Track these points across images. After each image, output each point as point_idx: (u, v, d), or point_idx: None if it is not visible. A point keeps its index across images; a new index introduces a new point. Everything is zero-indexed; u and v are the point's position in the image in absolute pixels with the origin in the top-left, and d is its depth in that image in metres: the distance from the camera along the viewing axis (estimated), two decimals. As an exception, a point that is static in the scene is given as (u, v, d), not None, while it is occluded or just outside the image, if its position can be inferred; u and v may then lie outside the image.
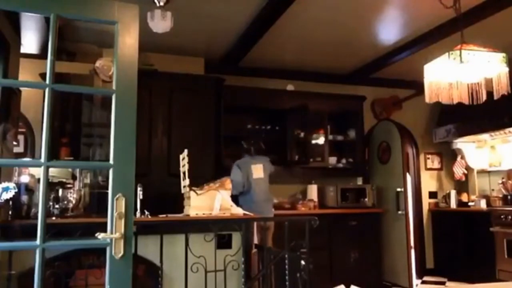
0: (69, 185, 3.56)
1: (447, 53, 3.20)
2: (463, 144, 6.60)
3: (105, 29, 2.05)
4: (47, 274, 2.21)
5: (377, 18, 4.58)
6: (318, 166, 5.94)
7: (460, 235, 6.07)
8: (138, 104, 1.91)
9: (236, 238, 3.44)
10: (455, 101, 3.38)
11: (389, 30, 4.94)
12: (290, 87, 6.19)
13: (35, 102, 4.42)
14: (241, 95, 5.62)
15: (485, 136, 6.30)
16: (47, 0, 1.87)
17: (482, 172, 6.59)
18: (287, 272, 3.29)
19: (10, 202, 3.06)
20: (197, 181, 3.67)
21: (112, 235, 1.77)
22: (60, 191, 3.40)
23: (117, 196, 1.80)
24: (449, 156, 6.85)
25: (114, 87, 1.89)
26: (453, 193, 6.53)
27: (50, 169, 1.81)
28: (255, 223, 4.00)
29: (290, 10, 4.19)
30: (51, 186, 3.34)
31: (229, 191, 3.75)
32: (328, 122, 6.08)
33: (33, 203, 3.28)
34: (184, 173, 3.69)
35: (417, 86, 5.18)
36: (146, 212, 3.69)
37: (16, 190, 3.03)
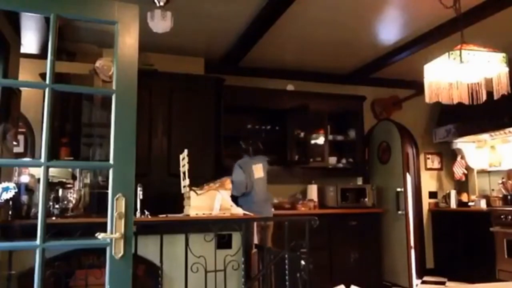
0: (69, 185, 3.56)
1: (447, 53, 3.20)
2: (463, 144, 6.60)
3: (105, 29, 2.05)
4: (47, 274, 2.21)
5: (377, 18, 4.58)
6: (318, 166, 5.94)
7: (460, 235, 6.07)
8: (138, 104, 1.91)
9: (236, 238, 3.44)
10: (455, 101, 3.38)
11: (389, 30, 4.94)
12: (290, 87, 6.19)
13: (35, 102, 4.42)
14: (241, 95, 5.62)
15: (485, 136, 6.30)
16: (47, 0, 1.87)
17: (482, 172, 6.59)
18: (287, 272, 3.29)
19: (10, 202, 3.06)
20: (197, 181, 3.67)
21: (112, 235, 1.77)
22: (60, 191, 3.40)
23: (117, 196, 1.80)
24: (449, 156, 6.86)
25: (114, 87, 1.89)
26: (453, 193, 6.53)
27: (50, 169, 1.81)
28: (255, 223, 4.00)
29: (290, 10, 4.19)
30: (51, 186, 3.34)
31: (229, 191, 3.75)
32: (328, 122, 6.08)
33: (33, 203, 3.28)
34: (184, 173, 3.69)
35: (417, 86, 5.18)
36: (146, 212, 3.69)
37: (16, 190, 3.03)
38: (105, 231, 1.78)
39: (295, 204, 5.79)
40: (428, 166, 6.87)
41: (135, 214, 2.58)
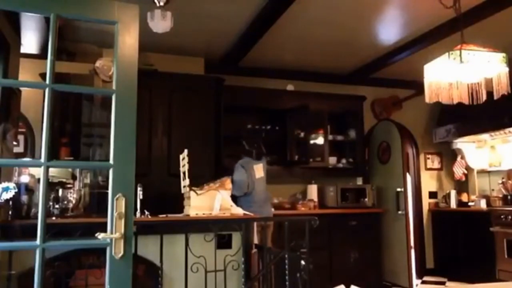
0: (69, 185, 3.56)
1: (447, 53, 3.20)
2: (463, 144, 6.60)
3: (105, 29, 2.05)
4: (47, 274, 2.21)
5: (377, 18, 4.58)
6: (318, 166, 5.94)
7: (460, 235, 6.08)
8: (138, 104, 1.91)
9: (236, 238, 3.44)
10: (455, 101, 3.38)
11: (389, 30, 4.94)
12: (290, 87, 6.19)
13: (35, 102, 4.42)
14: (241, 95, 5.62)
15: (485, 136, 6.30)
16: (47, 0, 1.87)
17: (482, 172, 6.59)
18: (287, 272, 3.29)
19: (10, 202, 3.06)
20: (197, 181, 3.67)
21: (112, 235, 1.77)
22: (60, 191, 3.40)
23: (117, 196, 1.80)
24: (449, 156, 6.86)
25: (114, 87, 1.89)
26: (453, 193, 6.53)
27: (50, 169, 1.81)
28: (255, 223, 4.00)
29: (290, 10, 4.19)
30: (51, 186, 3.34)
31: (229, 191, 3.75)
32: (328, 122, 6.08)
33: (33, 203, 3.27)
34: (184, 173, 3.69)
35: (417, 86, 5.17)
36: (146, 212, 3.69)
37: (16, 190, 3.02)
38: (105, 231, 1.78)
39: (295, 204, 5.79)
40: (428, 166, 6.87)
41: (135, 214, 2.58)
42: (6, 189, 2.95)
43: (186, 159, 3.64)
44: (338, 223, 5.60)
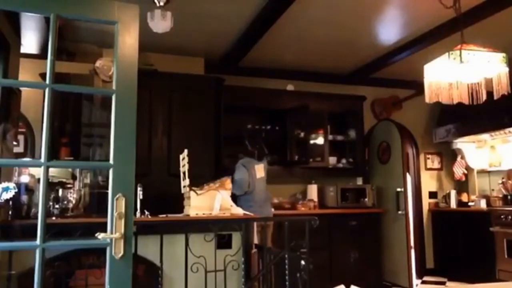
0: (69, 185, 3.56)
1: (447, 53, 3.20)
2: (463, 144, 6.60)
3: (105, 29, 2.05)
4: (47, 274, 2.21)
5: (377, 18, 4.58)
6: (318, 166, 5.94)
7: (460, 235, 6.08)
8: (138, 104, 1.91)
9: (236, 238, 3.44)
10: (455, 101, 3.38)
11: (389, 30, 4.94)
12: (290, 87, 6.19)
13: (35, 102, 4.41)
14: (241, 95, 5.62)
15: (485, 136, 6.30)
16: (47, 0, 1.87)
17: (482, 172, 6.59)
18: (287, 272, 3.29)
19: (10, 202, 3.06)
20: (197, 181, 3.67)
21: (112, 235, 1.77)
22: (60, 191, 3.40)
23: (117, 196, 1.80)
24: (449, 156, 6.86)
25: (114, 87, 1.89)
26: (453, 193, 6.53)
27: (50, 169, 1.81)
28: (255, 223, 4.00)
29: (290, 10, 4.19)
30: (51, 186, 3.34)
31: (229, 191, 3.75)
32: (328, 122, 6.08)
33: (33, 203, 3.27)
34: (184, 173, 3.69)
35: (417, 86, 5.17)
36: (146, 212, 3.68)
37: (16, 190, 3.02)
38: (105, 231, 1.78)
39: (295, 204, 5.79)
40: (428, 166, 6.87)
41: (135, 214, 2.58)
42: (6, 189, 2.95)
43: (186, 159, 3.64)
44: (338, 223, 5.60)
